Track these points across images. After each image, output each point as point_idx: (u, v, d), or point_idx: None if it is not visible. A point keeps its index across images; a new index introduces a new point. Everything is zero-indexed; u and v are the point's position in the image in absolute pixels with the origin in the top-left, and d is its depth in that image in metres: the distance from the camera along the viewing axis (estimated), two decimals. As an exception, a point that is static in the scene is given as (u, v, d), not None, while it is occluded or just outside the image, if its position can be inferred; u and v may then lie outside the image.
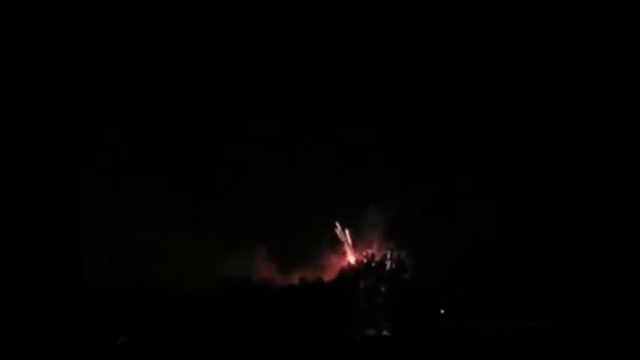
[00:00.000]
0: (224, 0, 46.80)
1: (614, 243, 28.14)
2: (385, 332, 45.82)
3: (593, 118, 29.08)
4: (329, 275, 48.89)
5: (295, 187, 47.62)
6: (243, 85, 47.50)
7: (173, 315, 39.00)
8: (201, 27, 47.52)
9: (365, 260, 49.72)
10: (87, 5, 27.44)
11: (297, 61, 48.27)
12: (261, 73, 47.42)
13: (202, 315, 39.42)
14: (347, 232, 49.94)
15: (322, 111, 47.83)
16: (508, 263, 40.76)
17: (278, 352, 37.51)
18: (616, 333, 26.91)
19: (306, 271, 47.83)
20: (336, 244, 50.40)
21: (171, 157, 47.51)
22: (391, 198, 45.25)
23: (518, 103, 41.41)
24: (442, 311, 45.87)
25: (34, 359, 21.89)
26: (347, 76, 48.19)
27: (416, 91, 46.14)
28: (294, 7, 46.32)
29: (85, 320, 25.73)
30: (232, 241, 44.76)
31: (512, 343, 35.60)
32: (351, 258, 50.33)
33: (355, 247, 50.46)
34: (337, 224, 49.35)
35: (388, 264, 48.28)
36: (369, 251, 49.95)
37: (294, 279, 47.19)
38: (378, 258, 49.11)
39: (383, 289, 47.60)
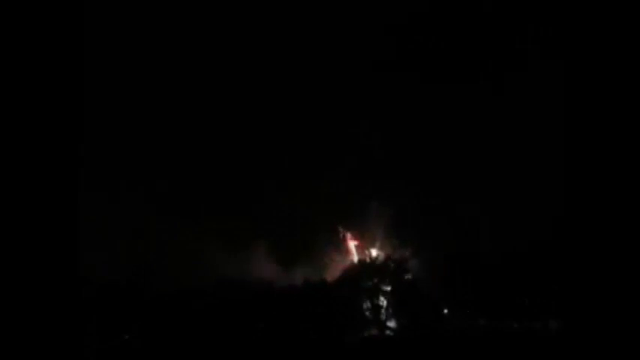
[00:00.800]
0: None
1: (614, 243, 27.94)
2: (388, 332, 45.80)
3: (593, 116, 28.89)
4: (332, 275, 48.94)
5: (297, 185, 47.86)
6: (244, 85, 47.85)
7: (172, 314, 39.19)
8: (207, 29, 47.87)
9: (368, 260, 49.80)
10: (87, 6, 27.66)
11: (300, 58, 48.50)
12: (263, 72, 47.74)
13: (202, 314, 39.52)
14: (349, 233, 50.18)
15: (324, 111, 48.02)
16: (509, 263, 40.71)
17: (279, 352, 37.56)
18: (616, 333, 26.72)
19: (308, 270, 47.96)
20: (338, 244, 50.58)
21: (171, 155, 47.82)
22: (394, 197, 45.41)
23: (517, 103, 41.40)
24: (445, 311, 45.80)
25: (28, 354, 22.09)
26: (349, 75, 48.34)
27: (416, 90, 46.23)
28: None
29: (80, 317, 25.93)
30: (233, 239, 45.04)
31: (514, 343, 35.56)
32: (355, 257, 50.45)
33: (358, 246, 50.60)
34: (339, 227, 49.59)
35: (391, 264, 48.29)
36: (372, 250, 50.04)
37: (297, 278, 47.27)
38: (381, 258, 49.17)
39: (386, 288, 47.62)
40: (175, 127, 48.36)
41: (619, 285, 26.89)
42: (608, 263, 27.60)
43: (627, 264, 26.66)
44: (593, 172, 27.98)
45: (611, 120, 26.35)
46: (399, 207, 45.57)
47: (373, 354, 38.49)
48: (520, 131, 41.55)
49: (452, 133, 46.62)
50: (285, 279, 47.07)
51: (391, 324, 46.09)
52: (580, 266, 29.00)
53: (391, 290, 47.35)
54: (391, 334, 45.90)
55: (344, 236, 50.67)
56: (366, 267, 49.00)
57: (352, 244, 50.55)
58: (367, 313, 46.24)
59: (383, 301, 46.73)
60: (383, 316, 46.08)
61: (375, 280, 48.08)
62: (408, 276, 48.11)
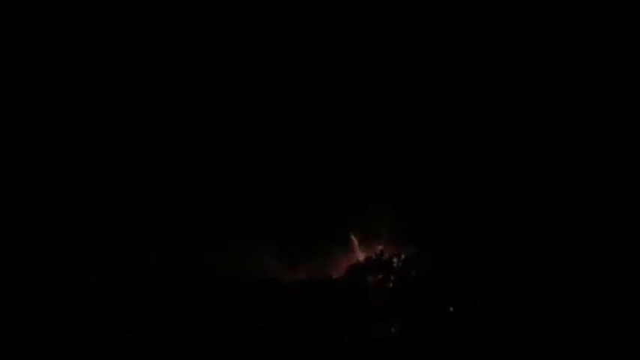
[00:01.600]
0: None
1: (613, 243, 27.93)
2: (393, 329, 45.88)
3: (593, 115, 28.84)
4: (337, 273, 49.19)
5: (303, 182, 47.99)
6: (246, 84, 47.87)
7: (171, 308, 39.48)
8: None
9: (373, 256, 49.89)
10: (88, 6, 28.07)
11: (304, 58, 48.45)
12: (263, 72, 47.73)
13: (204, 309, 39.75)
14: (355, 232, 50.25)
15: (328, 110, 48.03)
16: (510, 263, 40.59)
17: (283, 348, 37.75)
18: (616, 333, 26.74)
19: (313, 268, 48.22)
20: (344, 243, 50.71)
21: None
22: (397, 195, 45.38)
23: (518, 102, 41.17)
24: (451, 309, 45.77)
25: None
26: (350, 76, 48.26)
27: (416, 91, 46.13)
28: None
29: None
30: (238, 233, 45.32)
31: (518, 342, 35.48)
32: (360, 255, 50.56)
33: (363, 245, 50.65)
34: (348, 230, 49.79)
35: (396, 261, 48.37)
36: (378, 247, 50.15)
37: (301, 275, 47.55)
38: (386, 255, 49.25)
39: (391, 285, 47.69)
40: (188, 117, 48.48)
41: (618, 284, 26.86)
42: (607, 263, 27.55)
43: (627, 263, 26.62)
44: (593, 173, 27.94)
45: (610, 119, 26.31)
46: (403, 205, 45.52)
47: (376, 353, 38.56)
48: (520, 129, 41.37)
49: (451, 133, 46.55)
50: (291, 276, 47.45)
51: (395, 322, 46.18)
52: (580, 266, 28.95)
53: (397, 287, 47.52)
54: (395, 330, 46.04)
55: (350, 236, 50.84)
56: (371, 263, 49.17)
57: (357, 243, 50.65)
58: (373, 310, 46.40)
59: (389, 298, 46.86)
60: (389, 313, 46.19)
61: (380, 277, 48.28)
62: (413, 272, 48.24)
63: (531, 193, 40.96)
